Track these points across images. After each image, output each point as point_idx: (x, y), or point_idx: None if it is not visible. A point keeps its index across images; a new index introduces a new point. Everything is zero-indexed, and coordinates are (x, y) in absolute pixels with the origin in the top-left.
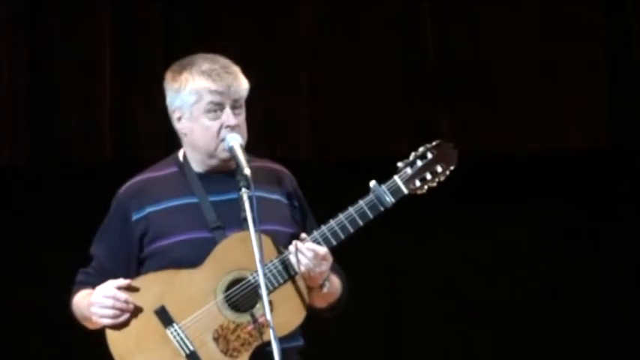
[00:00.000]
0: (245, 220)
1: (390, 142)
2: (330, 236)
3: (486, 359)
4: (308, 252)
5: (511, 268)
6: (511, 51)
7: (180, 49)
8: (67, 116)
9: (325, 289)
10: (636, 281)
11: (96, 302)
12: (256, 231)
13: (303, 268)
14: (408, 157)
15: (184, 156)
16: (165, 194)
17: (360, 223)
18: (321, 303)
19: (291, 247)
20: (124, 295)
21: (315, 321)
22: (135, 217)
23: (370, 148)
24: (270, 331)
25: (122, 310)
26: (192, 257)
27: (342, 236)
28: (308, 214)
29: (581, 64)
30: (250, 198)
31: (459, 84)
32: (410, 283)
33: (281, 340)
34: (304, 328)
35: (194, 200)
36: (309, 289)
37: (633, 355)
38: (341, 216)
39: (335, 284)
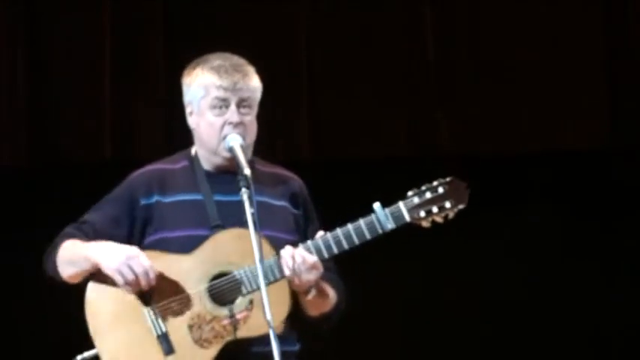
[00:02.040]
0: (246, 222)
1: (390, 142)
2: (323, 248)
3: (486, 359)
4: (297, 257)
5: (511, 268)
6: (511, 51)
7: (180, 49)
8: (67, 116)
9: (310, 296)
10: (637, 281)
11: (134, 256)
12: (256, 231)
13: (289, 272)
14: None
15: (196, 152)
16: (174, 187)
17: (356, 241)
18: (313, 311)
19: (282, 251)
20: (154, 275)
21: (312, 326)
22: (142, 202)
23: (370, 148)
24: (270, 331)
25: (140, 285)
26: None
27: (336, 251)
28: (313, 222)
29: (581, 64)
30: (250, 198)
31: (458, 84)
32: (409, 285)
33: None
34: (301, 334)
35: (199, 197)
36: (295, 294)
37: (634, 356)
38: (338, 231)
39: (328, 294)
